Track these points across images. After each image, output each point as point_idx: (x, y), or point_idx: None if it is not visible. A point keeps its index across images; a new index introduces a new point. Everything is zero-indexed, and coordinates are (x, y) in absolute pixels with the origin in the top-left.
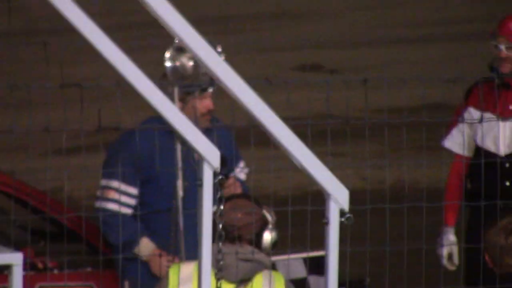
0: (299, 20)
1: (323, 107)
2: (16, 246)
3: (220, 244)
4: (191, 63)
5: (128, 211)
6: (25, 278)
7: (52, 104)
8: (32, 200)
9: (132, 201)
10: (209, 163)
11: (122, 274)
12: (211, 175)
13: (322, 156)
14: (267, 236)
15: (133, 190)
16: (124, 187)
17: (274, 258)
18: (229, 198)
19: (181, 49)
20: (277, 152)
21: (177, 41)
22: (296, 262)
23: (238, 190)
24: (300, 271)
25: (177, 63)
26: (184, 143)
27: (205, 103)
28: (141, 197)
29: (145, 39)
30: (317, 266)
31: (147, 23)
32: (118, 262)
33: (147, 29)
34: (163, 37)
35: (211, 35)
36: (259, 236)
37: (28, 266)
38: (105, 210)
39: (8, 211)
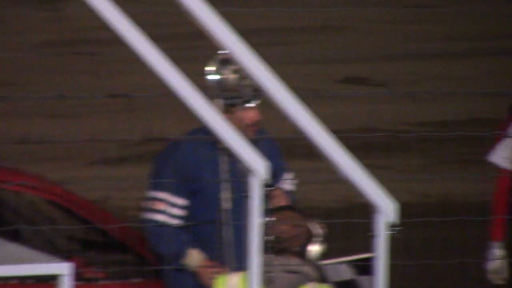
0: (346, 33)
1: (370, 120)
2: (65, 256)
3: (269, 255)
4: (234, 76)
5: (176, 222)
6: None
7: (100, 114)
8: (80, 210)
9: (180, 212)
10: (257, 175)
11: (171, 285)
12: (259, 186)
13: (369, 168)
14: (314, 249)
15: (181, 201)
16: (171, 198)
17: (322, 262)
18: (276, 210)
19: (223, 62)
20: (324, 164)
21: (219, 54)
22: (343, 266)
23: (284, 202)
24: (347, 274)
25: (221, 76)
26: (232, 154)
27: (250, 115)
28: (187, 209)
29: (193, 50)
30: (365, 268)
31: (194, 34)
32: (167, 273)
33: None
34: (211, 48)
35: (259, 47)
36: (306, 248)
37: (76, 276)
38: (153, 222)
39: (56, 221)
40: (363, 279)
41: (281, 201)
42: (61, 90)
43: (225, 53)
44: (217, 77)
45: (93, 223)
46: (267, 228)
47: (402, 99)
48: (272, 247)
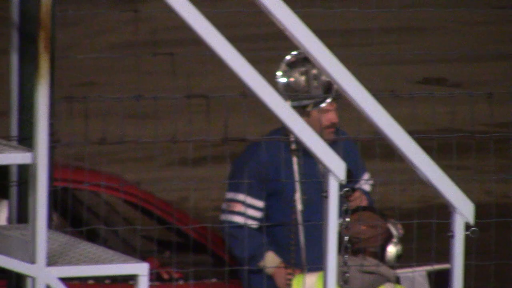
0: (424, 34)
1: (448, 121)
2: (141, 256)
3: (346, 256)
4: (303, 78)
5: (253, 224)
6: None
7: (178, 115)
8: (158, 210)
9: (258, 214)
10: (335, 175)
11: (248, 286)
12: (337, 187)
13: (447, 169)
14: (391, 249)
15: (259, 203)
16: (250, 200)
17: (397, 272)
18: (355, 211)
19: (293, 65)
20: (402, 165)
21: (288, 57)
22: (418, 277)
23: (364, 203)
24: (422, 285)
25: (291, 79)
26: (306, 155)
27: (328, 116)
28: (265, 211)
29: (271, 51)
30: (441, 280)
31: (273, 35)
32: (244, 275)
33: (272, 41)
34: (289, 49)
35: (337, 48)
36: (383, 249)
37: (154, 276)
38: (231, 223)
39: (133, 221)
40: None
41: (360, 202)
42: (139, 91)
43: (292, 56)
44: (287, 80)
45: (170, 223)
46: (345, 229)
47: (479, 100)
48: (349, 248)
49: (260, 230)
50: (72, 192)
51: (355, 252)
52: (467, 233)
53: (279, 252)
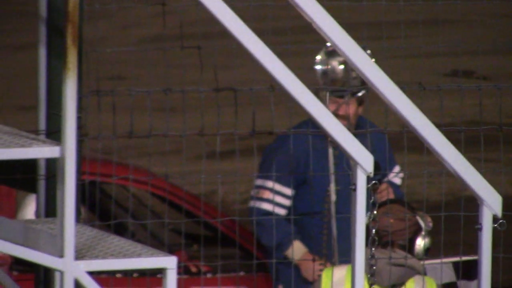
0: (452, 27)
1: (476, 113)
2: (169, 249)
3: (373, 249)
4: (341, 67)
5: (282, 211)
6: (178, 282)
7: (206, 108)
8: (186, 204)
9: (287, 202)
10: (362, 168)
11: (276, 278)
12: (365, 180)
13: (474, 162)
14: (420, 242)
15: (288, 191)
16: (279, 187)
17: (425, 262)
18: (383, 203)
19: (332, 53)
20: (429, 158)
21: (328, 45)
22: (445, 267)
23: (391, 196)
24: (449, 276)
25: (328, 67)
26: (337, 147)
27: (345, 108)
28: (293, 200)
29: (299, 44)
30: (468, 271)
31: (301, 28)
32: (272, 265)
33: (300, 34)
34: (317, 42)
35: (365, 41)
36: (412, 241)
37: (182, 270)
38: (259, 210)
39: (161, 215)
40: (464, 283)
41: (387, 195)
42: (167, 84)
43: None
44: (325, 68)
45: (198, 216)
46: (373, 221)
47: (507, 92)
48: (378, 240)
49: (288, 219)
50: (100, 186)
51: (384, 245)
52: (495, 225)
53: (305, 242)
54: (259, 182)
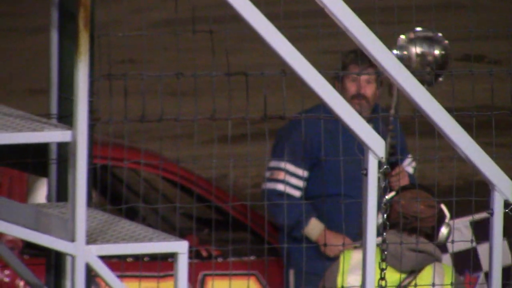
0: (464, 11)
1: (487, 98)
2: (180, 233)
3: (385, 234)
4: (418, 59)
5: (296, 193)
6: (189, 266)
7: (218, 92)
8: (197, 188)
9: (301, 183)
10: (374, 153)
11: (287, 262)
12: (376, 164)
13: (486, 146)
14: (444, 230)
15: (302, 172)
16: (293, 169)
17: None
18: (407, 188)
19: (413, 41)
20: (441, 142)
21: (417, 29)
22: (463, 228)
23: (405, 180)
24: (466, 236)
25: (404, 53)
26: (349, 131)
27: (356, 86)
28: (310, 176)
29: (310, 28)
30: (484, 232)
31: (312, 12)
32: (283, 249)
33: (312, 18)
34: (328, 27)
35: (377, 25)
36: (436, 229)
37: (193, 254)
38: (274, 191)
39: (173, 199)
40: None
41: (403, 177)
42: (179, 68)
43: (414, 33)
44: (401, 53)
45: (209, 201)
46: (385, 206)
47: None
48: (405, 225)
49: (303, 199)
50: (111, 170)
51: (411, 231)
52: (506, 210)
53: (322, 220)
54: (272, 163)
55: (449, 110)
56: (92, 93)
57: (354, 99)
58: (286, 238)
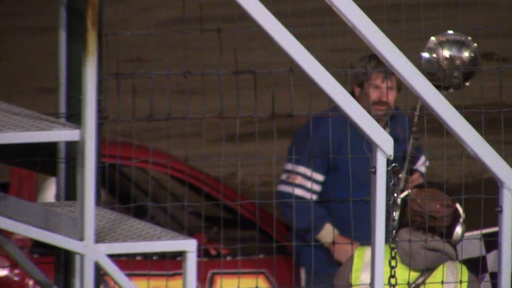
0: (472, 8)
1: (496, 95)
2: (189, 232)
3: (394, 232)
4: (445, 63)
5: (313, 197)
6: (198, 265)
7: (226, 91)
8: (205, 186)
9: (318, 187)
10: (382, 151)
11: (298, 261)
12: (385, 162)
13: (494, 144)
14: (459, 230)
15: (320, 177)
16: (310, 173)
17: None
18: (421, 186)
19: (443, 44)
20: (449, 140)
21: (449, 32)
22: (473, 241)
23: (419, 180)
24: (477, 250)
25: (433, 55)
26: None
27: (378, 93)
28: (325, 184)
29: (318, 26)
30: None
31: (320, 10)
32: (298, 247)
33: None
34: (336, 25)
35: (385, 23)
36: (451, 228)
37: (202, 252)
38: (290, 195)
39: (181, 197)
40: (491, 255)
41: (419, 180)
42: (187, 67)
43: (444, 35)
44: (430, 56)
45: (217, 199)
46: (394, 205)
47: None
48: (420, 224)
49: (318, 202)
50: (120, 169)
51: (425, 229)
52: None
53: (337, 225)
54: (289, 166)
55: (458, 107)
56: (100, 92)
57: (376, 105)
58: (299, 241)
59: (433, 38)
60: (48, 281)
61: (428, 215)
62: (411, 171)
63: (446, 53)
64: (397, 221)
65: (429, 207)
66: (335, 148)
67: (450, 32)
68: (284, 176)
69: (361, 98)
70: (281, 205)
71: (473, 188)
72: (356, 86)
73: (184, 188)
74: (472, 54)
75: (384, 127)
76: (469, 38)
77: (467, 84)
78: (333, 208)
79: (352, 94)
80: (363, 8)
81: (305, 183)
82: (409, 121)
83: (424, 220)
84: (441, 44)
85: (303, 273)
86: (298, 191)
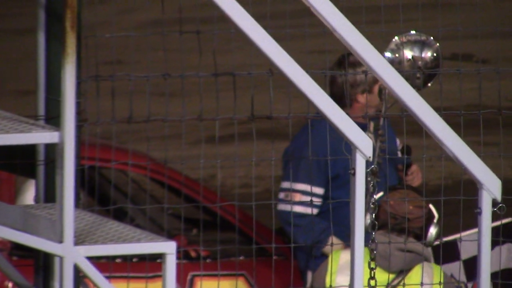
0: (451, 10)
1: (475, 97)
2: (169, 234)
3: (374, 233)
4: (408, 63)
5: (314, 211)
6: (177, 267)
7: (205, 93)
8: (185, 188)
9: (318, 201)
10: (361, 152)
11: (306, 266)
12: (364, 164)
13: (474, 145)
14: (433, 230)
15: (319, 190)
16: (310, 188)
17: (452, 237)
18: (395, 188)
19: (405, 45)
20: (428, 142)
21: (412, 32)
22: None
23: (419, 179)
24: (472, 251)
25: (396, 56)
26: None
27: (374, 98)
28: (326, 193)
29: (297, 28)
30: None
31: (299, 12)
32: (301, 258)
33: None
34: (315, 26)
35: (364, 25)
36: (425, 229)
37: (181, 254)
38: (289, 213)
39: (161, 199)
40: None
41: (418, 178)
42: (166, 69)
43: (406, 36)
44: (393, 56)
45: (197, 201)
46: (373, 206)
47: (506, 76)
48: (394, 226)
49: (320, 215)
50: (99, 171)
51: (400, 231)
52: (495, 209)
53: (341, 232)
54: (286, 185)
55: (437, 109)
56: (79, 94)
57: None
58: (304, 256)
59: (395, 38)
60: (27, 284)
61: (402, 216)
62: (409, 164)
63: (408, 53)
64: (376, 223)
65: (402, 208)
66: (332, 157)
67: (413, 32)
68: (282, 195)
69: (371, 102)
70: (283, 224)
71: (452, 189)
72: (360, 94)
73: (163, 190)
74: (434, 54)
75: (382, 128)
76: (431, 38)
77: (429, 84)
78: (337, 217)
79: (352, 102)
80: (342, 9)
81: (305, 198)
82: (389, 123)
83: (397, 221)
84: (403, 44)
85: (309, 277)
86: (298, 208)
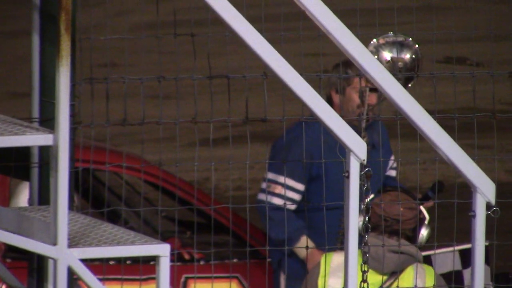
0: (445, 13)
1: (469, 100)
2: (163, 236)
3: (367, 236)
4: (387, 65)
5: (292, 207)
6: (171, 269)
7: (199, 95)
8: (179, 191)
9: (297, 197)
10: (355, 155)
11: (279, 267)
12: (358, 167)
13: (467, 148)
14: (424, 232)
15: (300, 187)
16: (291, 183)
17: (427, 253)
18: (386, 191)
19: (383, 46)
20: (422, 145)
21: (390, 33)
22: (450, 255)
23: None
24: (456, 264)
25: (375, 57)
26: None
27: (370, 98)
28: (305, 193)
29: (291, 31)
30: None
31: (293, 15)
32: (273, 254)
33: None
34: (310, 29)
35: (358, 28)
36: (416, 231)
37: (175, 257)
38: (270, 204)
39: (155, 202)
40: (468, 271)
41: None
42: (161, 71)
43: (383, 38)
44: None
45: (191, 204)
46: (367, 209)
47: (500, 79)
48: (385, 228)
49: (297, 213)
50: (93, 173)
51: (391, 233)
52: (488, 212)
53: (313, 236)
54: (270, 176)
55: (431, 112)
56: (74, 96)
57: (360, 109)
58: (277, 252)
59: (373, 40)
60: (21, 286)
61: (393, 218)
62: (428, 198)
63: (387, 55)
64: (369, 225)
65: (393, 210)
66: (317, 157)
67: (391, 33)
68: (264, 185)
69: (343, 104)
70: (260, 214)
71: (446, 193)
72: (334, 93)
73: (157, 193)
74: (413, 56)
75: (364, 131)
76: (410, 39)
77: (409, 85)
78: (313, 218)
79: (329, 101)
80: (337, 12)
81: (285, 192)
82: (383, 126)
83: (388, 223)
84: (381, 46)
85: (282, 279)
86: (276, 201)
